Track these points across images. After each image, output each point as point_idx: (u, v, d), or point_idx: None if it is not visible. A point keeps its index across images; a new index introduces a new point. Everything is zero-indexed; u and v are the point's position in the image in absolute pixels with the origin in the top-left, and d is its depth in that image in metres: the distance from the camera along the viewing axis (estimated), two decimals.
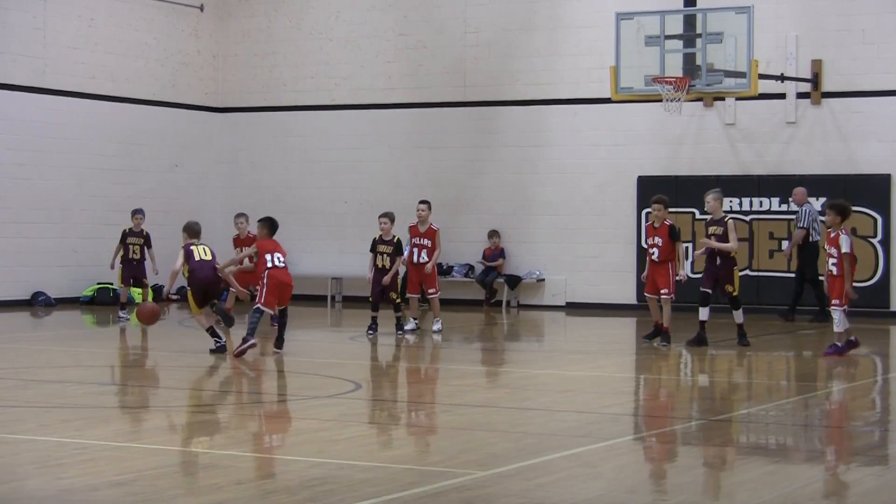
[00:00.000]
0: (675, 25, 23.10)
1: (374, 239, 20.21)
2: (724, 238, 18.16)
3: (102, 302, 26.16)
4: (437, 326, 20.51)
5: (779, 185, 24.55)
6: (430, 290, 20.47)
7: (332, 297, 28.08)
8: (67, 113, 26.43)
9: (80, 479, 8.88)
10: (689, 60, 22.88)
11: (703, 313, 18.25)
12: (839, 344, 17.11)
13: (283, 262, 17.08)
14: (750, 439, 11.31)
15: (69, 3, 26.53)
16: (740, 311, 18.34)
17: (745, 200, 24.91)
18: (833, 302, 17.04)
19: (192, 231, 17.43)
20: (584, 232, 26.58)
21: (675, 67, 22.83)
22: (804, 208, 23.19)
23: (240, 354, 16.47)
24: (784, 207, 24.37)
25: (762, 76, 23.13)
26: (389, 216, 20.23)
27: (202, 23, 29.25)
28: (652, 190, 25.17)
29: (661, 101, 22.86)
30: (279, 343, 17.16)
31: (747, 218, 24.99)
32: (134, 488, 8.58)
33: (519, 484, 8.85)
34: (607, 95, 24.10)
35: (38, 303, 25.66)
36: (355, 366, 16.70)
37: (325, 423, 11.53)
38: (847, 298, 16.91)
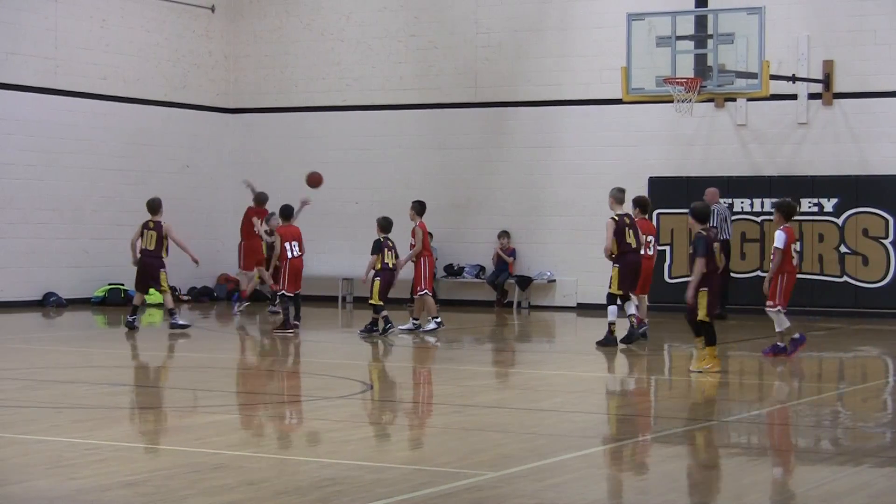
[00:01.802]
0: (687, 26, 23.08)
1: None
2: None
3: (114, 302, 26.16)
4: (405, 326, 20.45)
5: (790, 186, 24.49)
6: (418, 288, 20.38)
7: (343, 298, 28.09)
8: (79, 114, 26.45)
9: (91, 479, 8.89)
10: (700, 61, 22.86)
11: (611, 313, 18.25)
12: (781, 344, 16.97)
13: (299, 251, 20.11)
14: (761, 440, 11.30)
15: (80, 4, 26.56)
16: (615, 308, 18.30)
17: (757, 201, 24.87)
18: (768, 303, 16.88)
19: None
20: (595, 233, 26.41)
21: (686, 68, 22.81)
22: (714, 208, 23.31)
23: (277, 333, 19.80)
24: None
25: (773, 77, 23.09)
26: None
27: (213, 24, 29.27)
28: (663, 191, 25.21)
29: (672, 101, 22.84)
30: (297, 317, 20.30)
31: (758, 219, 24.94)
32: (145, 488, 8.59)
33: (530, 485, 8.85)
34: (618, 96, 24.08)
35: (49, 303, 25.68)
36: (366, 366, 16.72)
37: (336, 423, 11.54)
38: (785, 299, 16.74)
